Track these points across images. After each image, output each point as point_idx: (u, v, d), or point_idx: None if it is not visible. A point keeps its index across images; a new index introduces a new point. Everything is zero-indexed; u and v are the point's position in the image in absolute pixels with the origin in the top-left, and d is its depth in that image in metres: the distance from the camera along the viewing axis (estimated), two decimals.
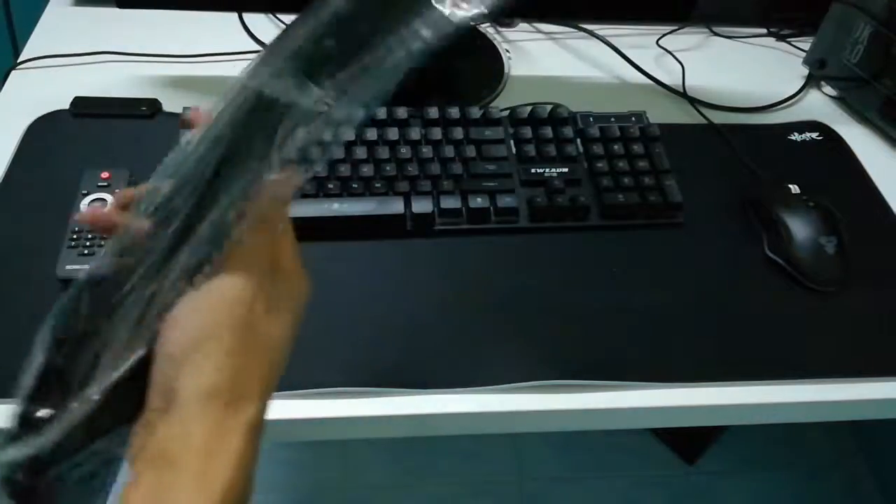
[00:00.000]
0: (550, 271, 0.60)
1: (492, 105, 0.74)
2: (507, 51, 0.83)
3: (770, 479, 1.36)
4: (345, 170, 0.62)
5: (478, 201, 0.62)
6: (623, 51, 0.81)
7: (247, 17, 0.82)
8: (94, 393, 0.29)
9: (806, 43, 0.86)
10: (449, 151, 0.64)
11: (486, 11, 0.33)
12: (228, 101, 0.32)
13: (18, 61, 0.74)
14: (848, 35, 0.77)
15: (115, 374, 0.30)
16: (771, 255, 0.62)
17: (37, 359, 0.31)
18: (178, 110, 0.66)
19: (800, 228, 0.62)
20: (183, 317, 0.30)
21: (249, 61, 0.33)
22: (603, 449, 1.37)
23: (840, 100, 0.81)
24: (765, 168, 0.70)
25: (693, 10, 0.77)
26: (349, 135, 0.63)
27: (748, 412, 0.55)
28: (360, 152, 0.63)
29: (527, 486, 1.33)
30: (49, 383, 0.31)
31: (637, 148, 0.67)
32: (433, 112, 0.67)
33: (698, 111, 0.77)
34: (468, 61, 0.81)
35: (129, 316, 0.30)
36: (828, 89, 0.83)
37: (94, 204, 0.58)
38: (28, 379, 0.31)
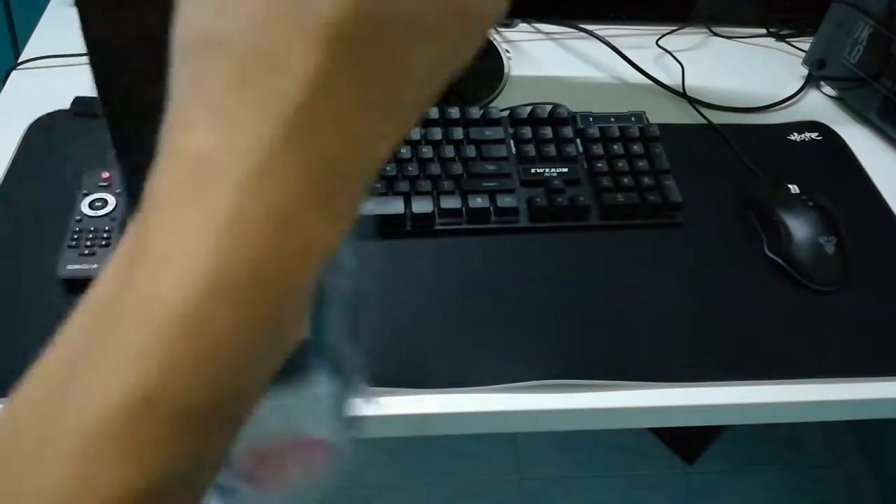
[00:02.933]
0: (550, 271, 0.60)
1: (492, 105, 0.74)
2: (507, 51, 0.83)
3: (769, 479, 1.36)
4: None
5: (478, 201, 0.62)
6: (623, 51, 0.81)
7: None
8: None
9: (805, 43, 0.86)
10: (449, 151, 0.64)
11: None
12: None
13: (19, 61, 0.74)
14: (847, 35, 0.77)
15: None
16: (770, 254, 0.62)
17: None
18: None
19: (799, 228, 0.62)
20: None
21: None
22: (603, 449, 1.37)
23: (839, 100, 0.81)
24: (764, 168, 0.70)
25: (692, 11, 0.77)
26: None
27: (747, 412, 0.55)
28: None
29: (527, 486, 1.33)
30: None
31: (637, 148, 0.67)
32: (433, 112, 0.67)
33: (698, 111, 0.77)
34: None
35: None
36: (827, 89, 0.83)
37: (96, 204, 0.58)
38: None
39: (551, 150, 0.66)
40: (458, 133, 0.65)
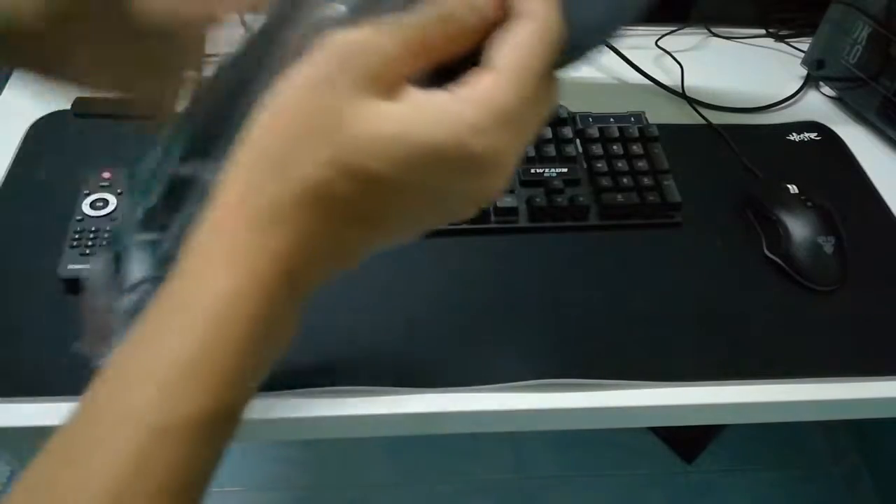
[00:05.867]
0: (550, 271, 0.61)
1: None
2: None
3: (768, 478, 1.36)
4: None
5: None
6: (622, 51, 0.81)
7: (248, 16, 0.82)
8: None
9: (804, 43, 0.86)
10: None
11: None
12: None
13: None
14: (846, 35, 0.78)
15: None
16: (769, 254, 0.63)
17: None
18: (180, 110, 0.66)
19: (798, 228, 0.62)
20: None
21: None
22: (602, 448, 1.38)
23: (838, 100, 0.81)
24: (763, 168, 0.70)
25: (692, 11, 0.77)
26: None
27: (747, 411, 0.55)
28: None
29: (526, 485, 1.33)
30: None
31: (636, 148, 0.67)
32: None
33: (697, 111, 0.77)
34: (468, 61, 0.81)
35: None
36: (826, 90, 0.83)
37: (97, 204, 0.58)
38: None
39: (551, 150, 0.67)
40: None
